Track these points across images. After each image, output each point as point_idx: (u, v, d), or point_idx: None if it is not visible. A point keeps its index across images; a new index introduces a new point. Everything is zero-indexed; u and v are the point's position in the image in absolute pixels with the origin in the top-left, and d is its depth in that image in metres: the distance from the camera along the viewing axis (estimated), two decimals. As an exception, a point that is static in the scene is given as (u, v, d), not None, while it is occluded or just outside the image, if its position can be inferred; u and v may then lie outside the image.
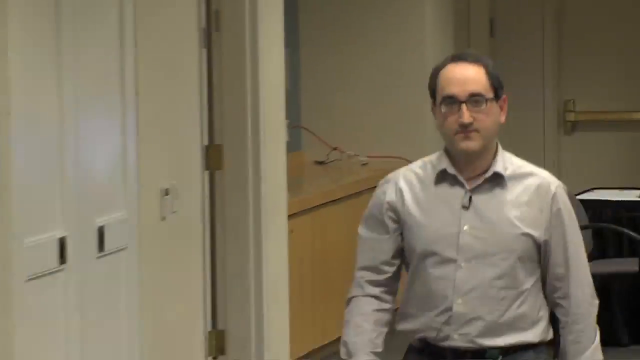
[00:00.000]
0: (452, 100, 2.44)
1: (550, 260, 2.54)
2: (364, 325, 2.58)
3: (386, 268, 2.60)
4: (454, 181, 2.53)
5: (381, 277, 2.59)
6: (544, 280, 2.56)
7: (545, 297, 2.57)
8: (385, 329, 2.60)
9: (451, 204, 2.53)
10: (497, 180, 2.50)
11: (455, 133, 2.46)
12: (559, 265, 2.53)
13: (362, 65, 6.25)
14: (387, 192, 2.58)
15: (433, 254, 2.53)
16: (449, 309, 2.51)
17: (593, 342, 2.55)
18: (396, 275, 2.61)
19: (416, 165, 2.62)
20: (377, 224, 2.57)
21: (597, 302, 2.57)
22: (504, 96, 2.52)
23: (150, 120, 3.85)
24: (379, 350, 2.57)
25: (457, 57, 2.52)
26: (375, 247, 2.60)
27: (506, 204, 2.50)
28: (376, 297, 2.60)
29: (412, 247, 2.56)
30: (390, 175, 2.63)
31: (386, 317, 2.61)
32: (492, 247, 2.50)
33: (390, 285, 2.61)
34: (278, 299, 4.61)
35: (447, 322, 2.52)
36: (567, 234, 2.53)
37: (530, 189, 2.51)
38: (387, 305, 2.61)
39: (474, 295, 2.51)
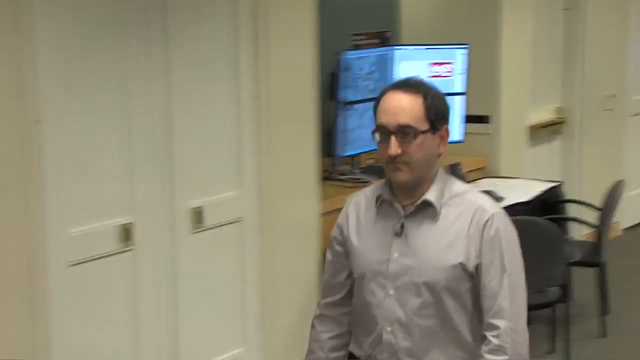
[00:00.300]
0: (383, 130, 2.29)
1: (483, 286, 2.32)
2: (320, 355, 2.55)
3: (340, 288, 2.52)
4: (390, 207, 2.39)
5: (336, 298, 2.53)
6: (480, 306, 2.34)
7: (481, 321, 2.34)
8: (342, 353, 2.55)
9: (386, 230, 2.39)
10: (429, 208, 2.34)
11: (387, 163, 2.32)
12: (489, 292, 2.31)
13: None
14: (340, 215, 2.52)
15: (366, 279, 2.41)
16: (380, 336, 2.40)
17: None
18: (349, 296, 2.51)
19: (369, 189, 2.50)
20: (332, 245, 2.53)
21: (523, 337, 2.32)
22: (444, 127, 2.33)
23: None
24: None
25: (397, 85, 2.33)
26: (331, 267, 2.54)
27: (437, 232, 2.34)
28: (333, 320, 2.54)
29: (353, 270, 2.47)
30: (348, 198, 2.56)
31: (342, 341, 2.55)
32: (418, 276, 2.33)
33: (346, 305, 2.52)
34: None
35: (379, 350, 2.42)
36: (501, 262, 2.31)
37: (463, 217, 2.33)
38: (343, 329, 2.54)
39: (401, 324, 2.37)
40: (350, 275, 2.50)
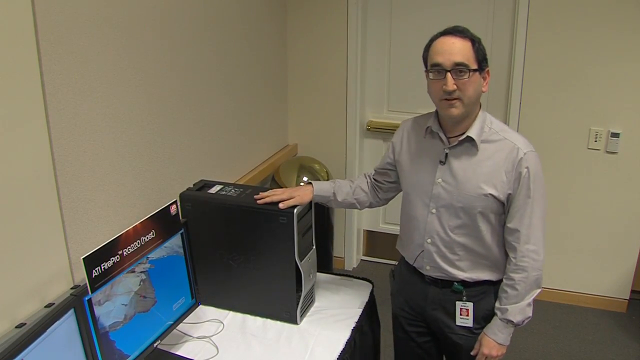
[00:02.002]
0: (439, 68, 2.46)
1: (509, 214, 2.58)
2: (343, 183, 2.95)
3: (381, 178, 2.94)
4: (437, 138, 2.62)
5: (379, 179, 2.94)
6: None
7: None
8: (345, 197, 2.93)
9: (432, 157, 2.63)
10: (470, 142, 2.55)
11: (441, 99, 2.49)
12: (513, 219, 2.57)
13: None
14: (396, 133, 2.80)
15: (413, 196, 2.71)
16: (421, 245, 2.71)
17: (526, 295, 2.60)
18: (382, 188, 2.94)
19: (421, 117, 2.73)
20: (387, 150, 2.88)
21: (540, 257, 2.58)
22: (487, 69, 2.51)
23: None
24: (328, 195, 2.90)
25: (449, 31, 2.49)
26: (382, 161, 2.91)
27: (475, 165, 2.55)
28: (370, 187, 2.96)
29: (402, 187, 2.81)
30: (404, 121, 2.82)
31: (354, 194, 2.95)
32: (457, 201, 2.59)
33: (378, 189, 2.96)
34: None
35: (421, 255, 2.73)
36: (528, 195, 2.53)
37: (499, 153, 2.53)
38: (363, 195, 2.95)
39: (440, 238, 2.67)
40: (395, 177, 2.87)
